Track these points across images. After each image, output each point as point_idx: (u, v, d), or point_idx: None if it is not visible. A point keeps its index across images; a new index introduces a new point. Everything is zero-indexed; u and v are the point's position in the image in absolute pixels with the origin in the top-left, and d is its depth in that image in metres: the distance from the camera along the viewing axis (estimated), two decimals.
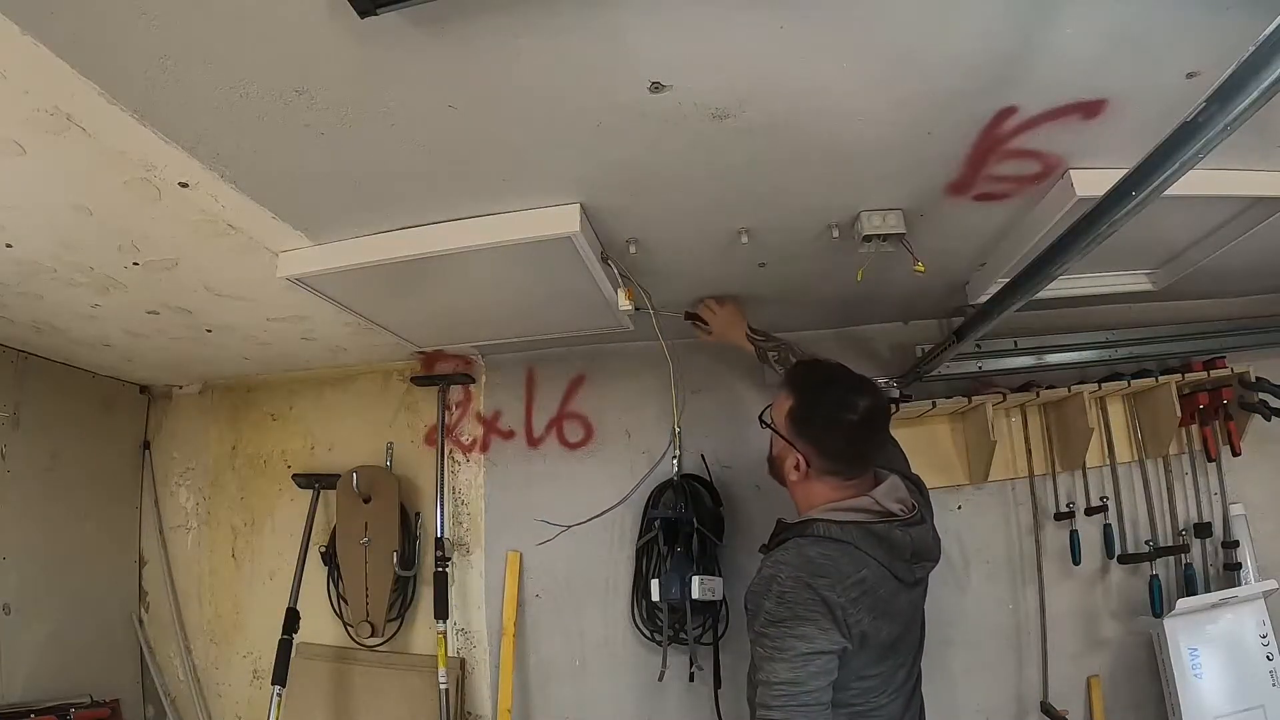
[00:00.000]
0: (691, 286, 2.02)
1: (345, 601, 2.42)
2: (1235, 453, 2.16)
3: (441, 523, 2.37)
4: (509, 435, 2.53)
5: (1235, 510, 2.20)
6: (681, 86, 1.12)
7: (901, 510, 1.39)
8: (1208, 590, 2.13)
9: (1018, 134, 1.32)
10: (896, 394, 2.14)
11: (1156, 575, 2.09)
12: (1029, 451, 2.29)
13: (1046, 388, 2.18)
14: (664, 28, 1.00)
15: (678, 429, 2.22)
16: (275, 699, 2.15)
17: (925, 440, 2.28)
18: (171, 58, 1.01)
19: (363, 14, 0.90)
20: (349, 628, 2.42)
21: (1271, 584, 2.05)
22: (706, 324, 2.08)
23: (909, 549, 1.37)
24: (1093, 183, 1.39)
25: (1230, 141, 0.85)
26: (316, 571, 2.46)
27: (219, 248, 1.62)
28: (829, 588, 1.28)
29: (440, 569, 2.30)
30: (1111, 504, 2.21)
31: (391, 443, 2.58)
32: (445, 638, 2.25)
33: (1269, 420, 2.08)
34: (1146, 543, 2.18)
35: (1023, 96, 1.22)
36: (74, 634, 2.38)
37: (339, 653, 2.44)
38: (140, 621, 2.65)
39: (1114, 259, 2.01)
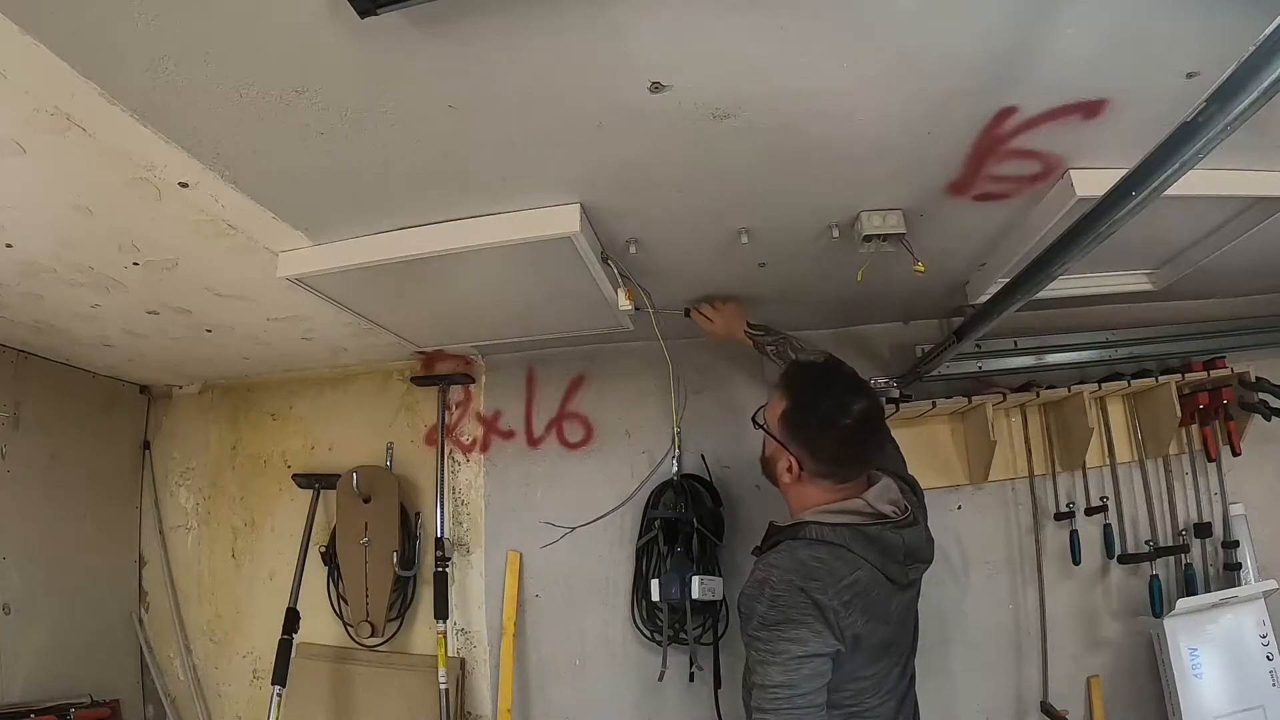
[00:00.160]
0: (691, 286, 2.02)
1: (345, 601, 2.42)
2: (1235, 453, 2.16)
3: (441, 523, 2.38)
4: (509, 435, 2.53)
5: (1235, 510, 2.20)
6: (681, 86, 1.12)
7: (894, 512, 1.39)
8: (1208, 590, 2.13)
9: (1018, 134, 1.32)
10: (896, 394, 2.13)
11: (1156, 575, 2.10)
12: (1029, 451, 2.29)
13: (1046, 388, 2.18)
14: (664, 28, 1.00)
15: (678, 429, 2.23)
16: (275, 699, 2.15)
17: (925, 440, 2.28)
18: (172, 58, 1.01)
19: (363, 14, 0.90)
20: (349, 628, 2.42)
21: (1271, 584, 2.05)
22: (708, 318, 2.07)
23: (902, 551, 1.37)
24: (1093, 183, 1.39)
25: (1230, 141, 0.85)
26: (316, 571, 2.46)
27: (219, 248, 1.62)
28: (821, 591, 1.27)
29: (440, 569, 2.30)
30: (1111, 504, 2.21)
31: (391, 443, 2.58)
32: (445, 638, 2.25)
33: (1269, 420, 2.09)
34: (1146, 543, 2.18)
35: (1023, 96, 1.22)
36: (74, 634, 2.38)
37: (339, 653, 2.44)
38: (140, 621, 2.65)
39: (1114, 259, 2.01)
